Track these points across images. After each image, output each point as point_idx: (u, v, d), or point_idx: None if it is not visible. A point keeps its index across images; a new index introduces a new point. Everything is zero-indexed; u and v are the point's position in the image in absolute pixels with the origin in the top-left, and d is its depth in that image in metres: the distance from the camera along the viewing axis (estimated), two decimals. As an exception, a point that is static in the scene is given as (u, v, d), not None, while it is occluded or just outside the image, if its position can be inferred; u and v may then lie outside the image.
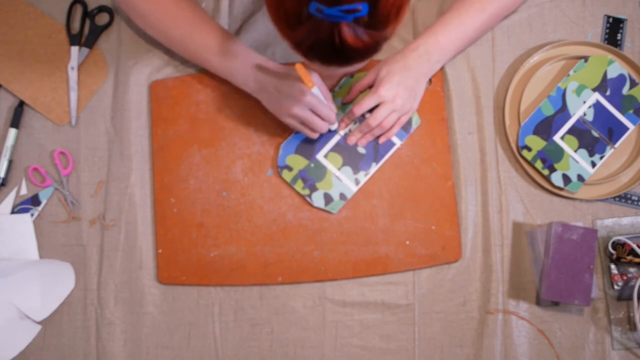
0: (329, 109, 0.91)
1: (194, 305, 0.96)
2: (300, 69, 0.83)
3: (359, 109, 0.94)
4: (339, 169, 0.97)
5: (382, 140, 0.98)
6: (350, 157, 0.98)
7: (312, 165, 0.97)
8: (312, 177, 0.97)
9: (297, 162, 0.97)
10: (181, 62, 1.02)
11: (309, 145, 0.98)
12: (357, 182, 0.97)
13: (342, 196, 0.97)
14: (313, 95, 0.89)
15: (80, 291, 0.97)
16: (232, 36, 0.95)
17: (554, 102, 0.99)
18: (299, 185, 0.97)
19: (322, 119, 0.91)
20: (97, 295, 0.96)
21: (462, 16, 0.96)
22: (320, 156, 0.97)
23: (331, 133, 0.97)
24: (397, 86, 0.93)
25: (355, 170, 0.98)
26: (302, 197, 0.97)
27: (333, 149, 0.98)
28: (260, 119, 0.99)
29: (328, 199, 0.97)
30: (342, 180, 0.97)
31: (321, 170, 0.97)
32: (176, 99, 1.00)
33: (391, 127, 0.97)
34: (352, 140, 0.98)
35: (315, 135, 0.94)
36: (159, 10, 0.94)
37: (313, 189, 0.97)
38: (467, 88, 1.02)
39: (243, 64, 0.93)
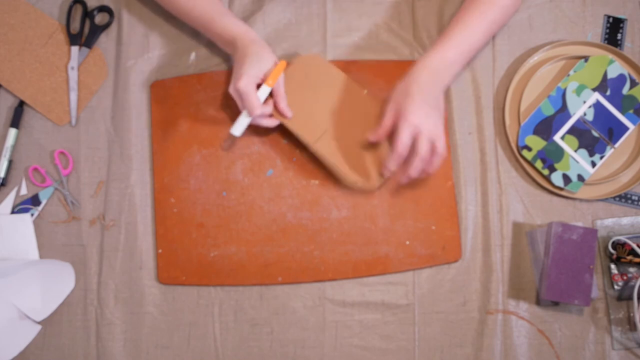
0: (259, 107, 0.90)
1: (194, 305, 0.96)
2: (280, 66, 0.86)
3: (402, 147, 0.88)
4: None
5: (427, 173, 0.92)
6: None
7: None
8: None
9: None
10: (181, 62, 1.02)
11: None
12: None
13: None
14: (249, 86, 0.88)
15: (80, 291, 0.97)
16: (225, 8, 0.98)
17: (554, 102, 0.99)
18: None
19: (246, 107, 0.90)
20: (97, 295, 0.96)
21: (464, 27, 0.95)
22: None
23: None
24: (424, 106, 0.89)
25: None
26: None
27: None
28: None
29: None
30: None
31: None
32: (176, 99, 1.00)
33: (432, 158, 0.90)
34: (404, 180, 0.92)
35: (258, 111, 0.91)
36: None
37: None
38: (467, 88, 1.02)
39: (226, 27, 0.94)
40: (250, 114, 0.91)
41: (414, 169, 0.89)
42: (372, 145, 0.96)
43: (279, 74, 0.91)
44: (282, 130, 0.98)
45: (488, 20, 0.96)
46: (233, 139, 0.98)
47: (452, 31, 0.94)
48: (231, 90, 0.91)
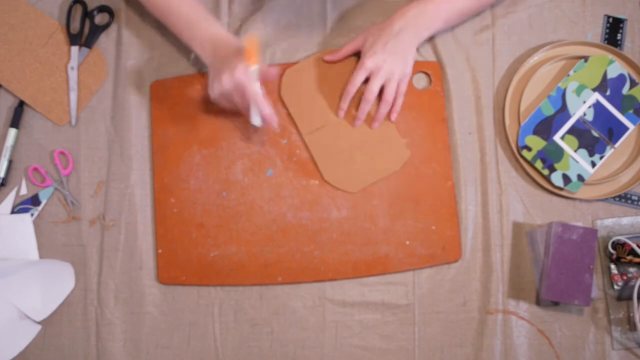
0: (257, 93, 0.88)
1: (194, 305, 0.96)
2: (251, 40, 0.84)
3: (351, 86, 0.95)
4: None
5: (393, 117, 0.98)
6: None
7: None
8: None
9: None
10: (181, 62, 1.02)
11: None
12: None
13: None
14: (247, 73, 0.86)
15: (80, 291, 0.97)
16: (208, 12, 0.95)
17: (554, 102, 0.99)
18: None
19: (246, 99, 0.89)
20: (97, 295, 0.96)
21: None
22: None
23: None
24: (382, 54, 0.93)
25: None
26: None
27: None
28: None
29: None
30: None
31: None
32: (176, 99, 1.00)
33: (395, 99, 0.97)
34: (358, 123, 0.98)
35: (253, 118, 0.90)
36: None
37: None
38: (467, 88, 1.02)
39: (205, 31, 0.93)
40: (256, 100, 0.89)
41: (361, 110, 0.97)
42: (362, 152, 0.98)
43: (257, 49, 0.87)
44: (282, 129, 0.98)
45: None
46: (257, 130, 0.97)
47: None
48: (219, 89, 0.89)
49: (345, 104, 0.98)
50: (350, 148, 0.98)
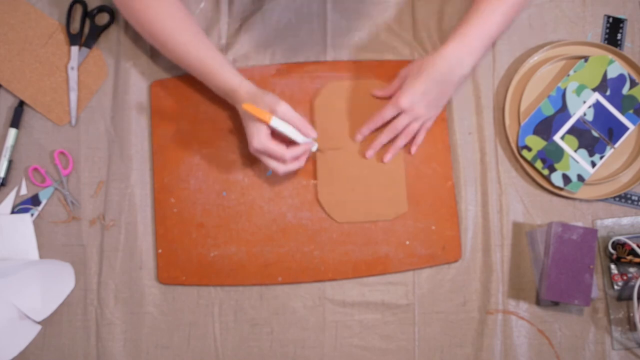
0: (280, 150, 0.88)
1: (194, 305, 0.96)
2: (249, 108, 0.85)
3: (379, 118, 0.95)
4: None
5: (413, 150, 0.98)
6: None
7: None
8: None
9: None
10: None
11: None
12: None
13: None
14: (262, 142, 0.87)
15: (80, 291, 0.97)
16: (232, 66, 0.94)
17: (554, 102, 0.99)
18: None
19: (276, 158, 0.89)
20: (97, 295, 0.96)
21: (482, 15, 0.93)
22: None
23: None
24: (420, 96, 0.92)
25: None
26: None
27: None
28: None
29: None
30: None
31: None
32: (176, 99, 1.00)
33: (417, 134, 0.97)
34: (370, 154, 0.97)
35: (281, 170, 0.90)
36: (162, 18, 0.92)
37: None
38: (467, 88, 1.02)
39: (220, 85, 0.93)
40: (284, 163, 0.90)
41: (377, 140, 0.97)
42: (364, 188, 0.97)
43: (257, 110, 0.87)
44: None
45: (506, 5, 0.93)
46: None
47: (471, 19, 0.92)
48: (252, 151, 0.90)
49: (367, 131, 0.97)
50: (354, 179, 0.98)
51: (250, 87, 0.91)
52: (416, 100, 0.93)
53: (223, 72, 0.92)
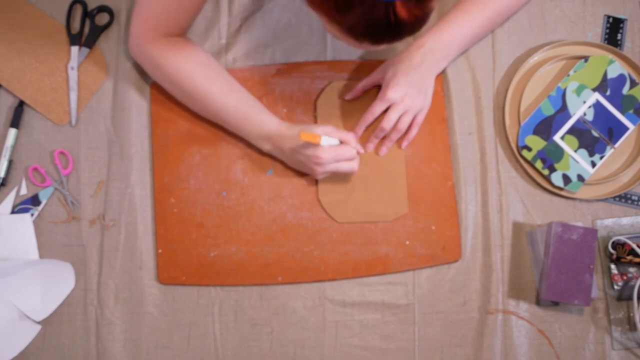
0: (347, 150, 0.91)
1: (194, 305, 0.96)
2: (304, 136, 0.86)
3: (370, 115, 0.95)
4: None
5: (404, 145, 0.98)
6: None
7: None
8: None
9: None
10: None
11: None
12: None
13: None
14: (328, 150, 0.90)
15: (80, 291, 0.97)
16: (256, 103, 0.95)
17: (554, 102, 0.99)
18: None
19: (348, 159, 0.92)
20: (97, 295, 0.96)
21: (465, 14, 0.96)
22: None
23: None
24: (404, 86, 0.94)
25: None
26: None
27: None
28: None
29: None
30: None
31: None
32: (176, 99, 1.00)
33: (409, 129, 0.98)
34: (370, 147, 0.98)
35: (353, 167, 0.93)
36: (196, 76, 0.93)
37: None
38: (467, 88, 1.02)
39: (257, 129, 0.94)
40: (354, 154, 0.92)
41: (374, 136, 0.97)
42: (364, 188, 0.97)
43: (312, 136, 0.87)
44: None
45: (490, 9, 0.97)
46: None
47: (452, 15, 0.96)
48: (322, 172, 0.93)
49: (360, 130, 0.97)
50: (355, 180, 0.97)
51: (288, 124, 0.93)
52: (402, 91, 0.93)
53: (262, 115, 0.94)
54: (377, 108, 0.95)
